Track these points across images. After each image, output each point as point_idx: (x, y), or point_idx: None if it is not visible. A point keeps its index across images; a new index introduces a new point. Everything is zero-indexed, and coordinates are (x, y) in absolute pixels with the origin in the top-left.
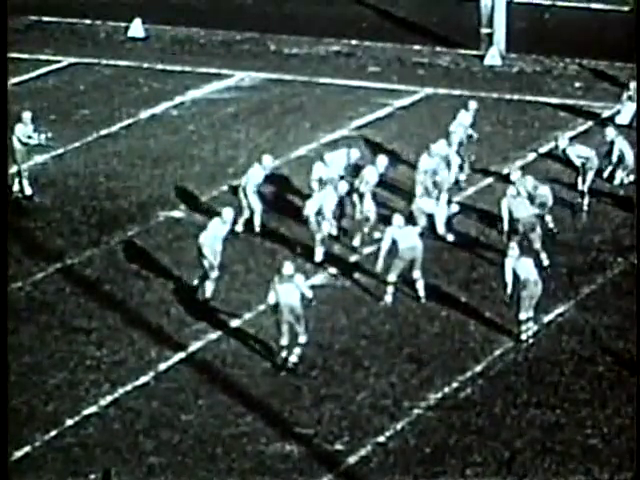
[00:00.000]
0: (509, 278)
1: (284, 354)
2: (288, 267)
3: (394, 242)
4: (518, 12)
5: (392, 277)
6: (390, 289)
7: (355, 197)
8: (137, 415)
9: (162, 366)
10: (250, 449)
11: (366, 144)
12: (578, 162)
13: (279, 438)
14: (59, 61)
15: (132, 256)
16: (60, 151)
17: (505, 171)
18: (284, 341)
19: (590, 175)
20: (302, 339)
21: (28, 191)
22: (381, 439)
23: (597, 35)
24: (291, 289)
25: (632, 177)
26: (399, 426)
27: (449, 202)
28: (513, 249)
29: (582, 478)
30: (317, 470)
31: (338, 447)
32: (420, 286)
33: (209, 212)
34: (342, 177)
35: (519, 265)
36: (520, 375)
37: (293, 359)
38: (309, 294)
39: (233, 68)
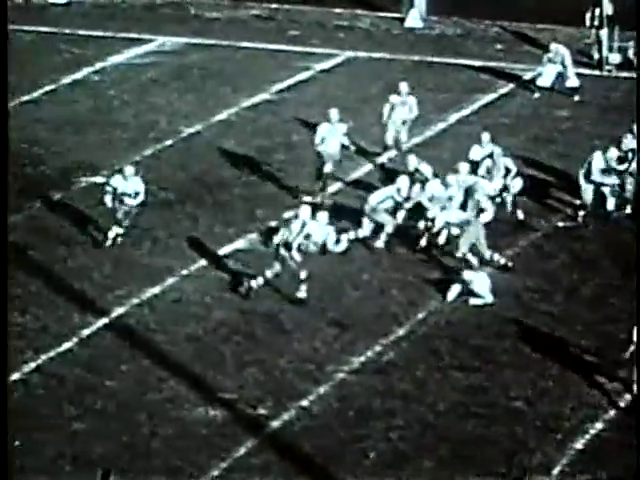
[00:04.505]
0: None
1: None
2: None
3: None
4: None
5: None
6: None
7: None
8: (61, 381)
9: (85, 332)
10: (174, 414)
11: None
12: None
13: (203, 403)
14: None
15: (55, 222)
16: None
17: (428, 134)
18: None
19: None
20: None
21: None
22: (304, 403)
23: None
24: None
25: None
26: (322, 390)
27: None
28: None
29: (506, 441)
30: (241, 435)
31: (262, 411)
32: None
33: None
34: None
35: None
36: (443, 338)
37: (302, 294)
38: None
39: (154, 33)
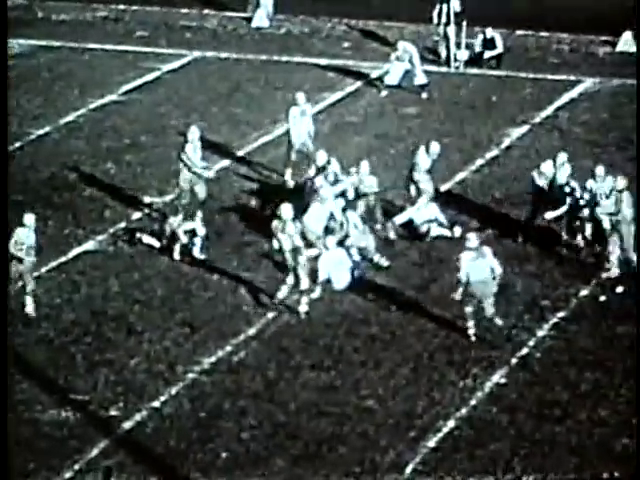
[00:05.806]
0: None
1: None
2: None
3: None
4: None
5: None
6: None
7: None
8: None
9: None
10: (26, 416)
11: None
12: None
13: (55, 405)
14: None
15: None
16: None
17: (276, 132)
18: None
19: None
20: (304, 284)
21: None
22: (156, 404)
23: None
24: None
25: None
26: (174, 391)
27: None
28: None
29: (358, 439)
30: (93, 436)
31: (113, 413)
32: None
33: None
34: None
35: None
36: (293, 337)
37: (303, 309)
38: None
39: None
